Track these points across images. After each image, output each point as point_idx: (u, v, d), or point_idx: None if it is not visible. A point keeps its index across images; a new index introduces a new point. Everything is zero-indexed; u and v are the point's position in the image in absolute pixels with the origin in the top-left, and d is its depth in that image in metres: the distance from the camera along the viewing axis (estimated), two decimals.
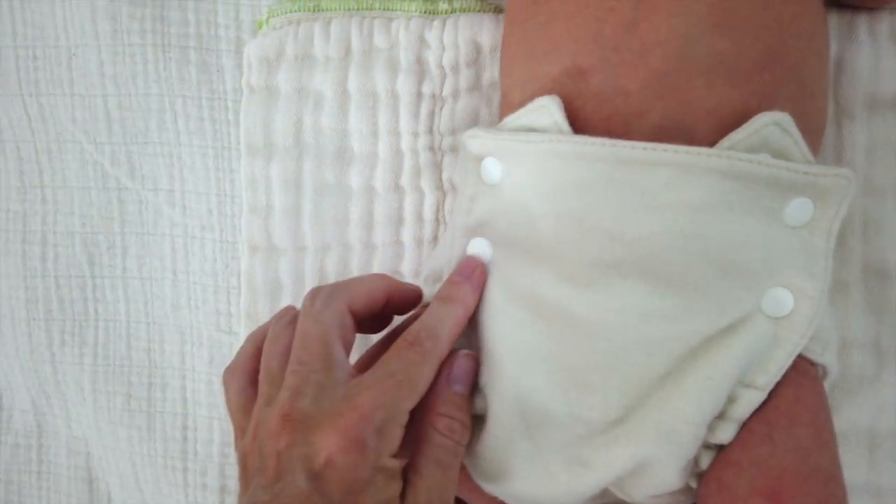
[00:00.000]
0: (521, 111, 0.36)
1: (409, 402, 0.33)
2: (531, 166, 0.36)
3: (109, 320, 0.52)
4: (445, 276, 0.39)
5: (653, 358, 0.34)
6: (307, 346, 0.34)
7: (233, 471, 0.50)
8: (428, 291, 0.41)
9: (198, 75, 0.48)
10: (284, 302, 0.47)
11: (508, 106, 0.39)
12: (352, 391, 0.33)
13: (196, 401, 0.50)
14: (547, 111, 0.35)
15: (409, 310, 0.40)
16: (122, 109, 0.49)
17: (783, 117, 0.33)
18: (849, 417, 0.42)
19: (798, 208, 0.33)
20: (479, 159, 0.38)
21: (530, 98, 0.36)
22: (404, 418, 0.33)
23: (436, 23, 0.45)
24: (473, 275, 0.37)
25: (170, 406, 0.51)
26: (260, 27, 0.47)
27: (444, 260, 0.40)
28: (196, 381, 0.50)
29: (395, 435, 0.33)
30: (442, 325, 0.36)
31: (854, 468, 0.42)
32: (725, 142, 0.33)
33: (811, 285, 0.33)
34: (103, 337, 0.52)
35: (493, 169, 0.37)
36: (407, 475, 0.33)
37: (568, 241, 0.35)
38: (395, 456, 0.33)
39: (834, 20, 0.41)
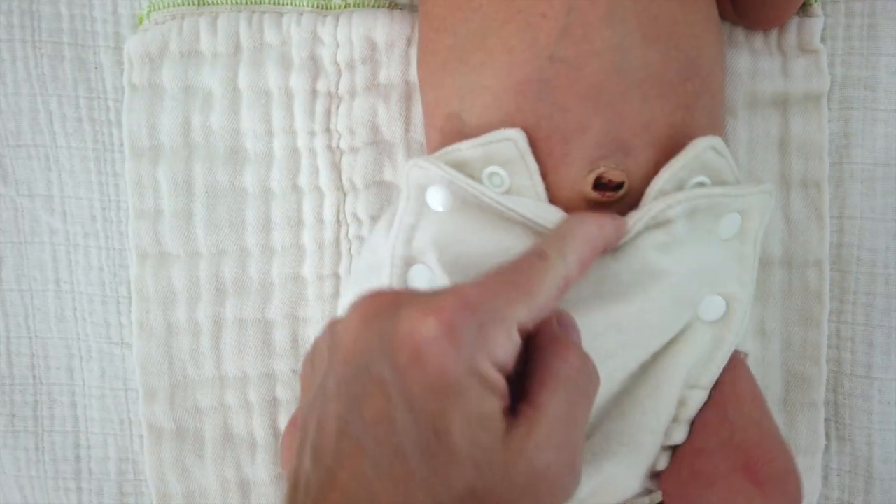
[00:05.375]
0: (481, 139, 0.35)
1: (523, 310, 0.27)
2: (490, 219, 0.35)
3: None
4: None
5: (609, 383, 0.35)
6: None
7: (132, 488, 0.48)
8: None
9: (73, 73, 0.45)
10: (179, 310, 0.45)
11: (446, 119, 0.38)
12: (456, 286, 0.27)
13: (89, 417, 0.48)
14: (514, 145, 0.35)
15: None
16: None
17: (717, 142, 0.35)
18: None
19: (729, 222, 0.36)
20: (424, 187, 0.36)
21: (475, 114, 0.36)
22: (512, 329, 0.26)
23: (328, 18, 0.44)
24: (616, 219, 0.33)
25: (59, 424, 0.48)
26: (140, 22, 0.44)
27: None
28: (87, 397, 0.48)
29: (500, 342, 0.26)
30: (574, 240, 0.30)
31: None
32: (667, 169, 0.34)
33: (742, 290, 0.36)
34: None
35: (441, 196, 0.36)
36: (521, 409, 0.27)
37: None
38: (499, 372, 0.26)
39: None
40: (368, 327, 0.26)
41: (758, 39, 0.42)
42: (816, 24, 0.42)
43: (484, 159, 0.35)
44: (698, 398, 0.36)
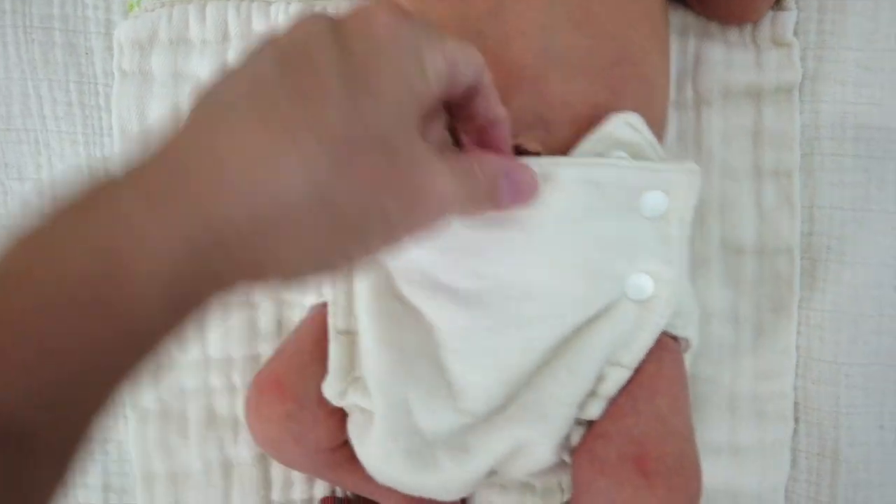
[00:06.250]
0: None
1: (449, 42, 0.27)
2: None
3: None
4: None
5: (529, 353, 0.36)
6: None
7: (116, 468, 0.49)
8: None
9: (64, 58, 0.46)
10: None
11: None
12: None
13: None
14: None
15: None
16: None
17: (633, 117, 0.35)
18: (711, 382, 0.45)
19: (652, 200, 0.35)
20: None
21: None
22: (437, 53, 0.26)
23: (317, 8, 0.45)
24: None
25: None
26: (131, 9, 0.45)
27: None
28: None
29: (437, 56, 0.26)
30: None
31: (716, 430, 0.46)
32: (584, 143, 0.35)
33: (667, 270, 0.36)
34: None
35: None
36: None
37: (441, 254, 0.36)
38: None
39: (692, 20, 0.44)
40: (315, 23, 0.25)
41: (732, 32, 0.44)
42: (789, 17, 0.43)
43: None
44: (618, 376, 0.36)
